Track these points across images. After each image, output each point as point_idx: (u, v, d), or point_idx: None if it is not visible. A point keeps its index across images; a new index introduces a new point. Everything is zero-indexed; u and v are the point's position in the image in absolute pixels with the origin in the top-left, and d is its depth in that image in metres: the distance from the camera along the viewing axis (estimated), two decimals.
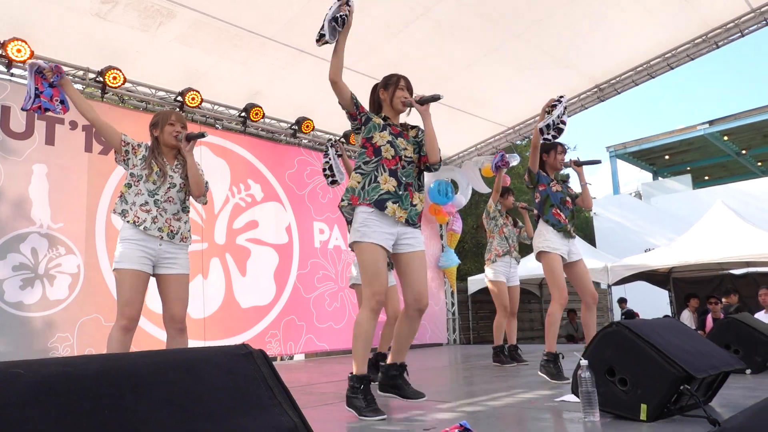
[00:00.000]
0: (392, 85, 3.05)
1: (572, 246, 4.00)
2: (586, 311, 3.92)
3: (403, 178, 2.90)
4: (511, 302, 5.29)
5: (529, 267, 10.62)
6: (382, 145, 2.90)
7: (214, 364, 0.99)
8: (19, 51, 5.16)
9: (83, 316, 5.34)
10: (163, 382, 0.90)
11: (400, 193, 2.85)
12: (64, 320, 5.23)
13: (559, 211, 3.95)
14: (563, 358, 3.81)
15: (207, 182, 3.24)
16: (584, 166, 4.18)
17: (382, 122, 2.98)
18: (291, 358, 7.81)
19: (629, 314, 10.45)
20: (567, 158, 4.19)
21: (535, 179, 4.04)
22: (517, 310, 5.39)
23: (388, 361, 2.99)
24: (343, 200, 2.91)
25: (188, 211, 3.22)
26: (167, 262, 3.03)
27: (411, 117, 3.14)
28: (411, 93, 3.07)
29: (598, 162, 4.40)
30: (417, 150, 3.02)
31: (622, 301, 10.88)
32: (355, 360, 2.73)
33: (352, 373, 2.75)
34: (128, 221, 2.96)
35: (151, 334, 5.71)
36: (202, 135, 3.13)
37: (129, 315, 2.91)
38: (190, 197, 3.23)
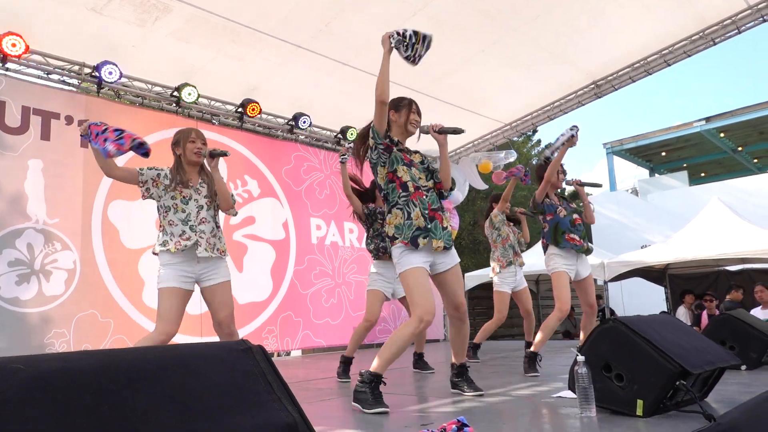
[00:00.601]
0: (405, 107, 3.08)
1: (583, 262, 4.11)
2: (586, 318, 4.13)
3: (427, 209, 2.96)
4: (524, 304, 5.41)
5: (527, 263, 10.65)
6: (407, 180, 2.97)
7: (214, 359, 0.99)
8: (14, 45, 5.13)
9: (79, 312, 5.33)
10: (163, 378, 0.90)
11: (429, 226, 2.92)
12: (61, 316, 5.22)
13: (572, 235, 4.02)
14: (540, 360, 3.99)
15: (233, 194, 3.31)
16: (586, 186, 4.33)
17: (399, 153, 3.01)
18: (288, 354, 7.82)
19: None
20: (569, 177, 4.30)
21: (541, 209, 4.13)
22: (531, 309, 5.48)
23: (452, 362, 3.26)
24: (394, 238, 2.95)
25: (220, 226, 3.28)
26: (210, 274, 3.11)
27: (416, 141, 3.20)
28: (420, 116, 3.12)
29: (599, 185, 4.52)
30: (429, 177, 3.07)
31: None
32: (382, 361, 2.79)
33: (368, 370, 2.79)
34: (169, 250, 3.02)
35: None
36: (225, 153, 3.18)
37: (168, 330, 2.97)
38: (219, 211, 3.29)
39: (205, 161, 3.21)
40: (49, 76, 5.73)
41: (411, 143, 3.21)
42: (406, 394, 3.40)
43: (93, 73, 5.77)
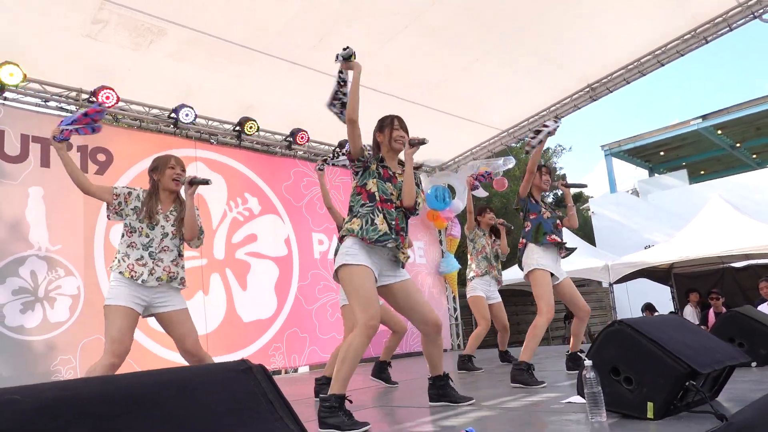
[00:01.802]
0: (387, 126, 3.08)
1: (560, 265, 4.10)
2: (579, 324, 4.17)
3: (393, 220, 2.91)
4: (498, 319, 5.44)
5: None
6: (375, 191, 2.93)
7: (213, 381, 0.98)
8: (11, 75, 5.17)
9: (85, 337, 5.31)
10: (163, 401, 0.89)
11: (394, 236, 2.88)
12: (66, 342, 5.20)
13: (554, 236, 4.01)
14: (534, 369, 3.74)
15: (202, 227, 3.25)
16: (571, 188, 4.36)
17: (374, 169, 2.98)
18: (295, 370, 7.78)
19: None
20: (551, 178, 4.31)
21: (524, 206, 4.11)
22: (508, 324, 5.53)
23: (430, 375, 3.14)
24: (342, 238, 2.90)
25: (183, 255, 3.24)
26: (164, 302, 3.08)
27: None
28: (406, 131, 3.10)
29: (584, 186, 4.57)
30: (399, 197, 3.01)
31: (649, 309, 10.24)
32: (339, 380, 2.66)
33: (331, 394, 2.65)
34: (121, 272, 2.98)
35: (158, 355, 5.69)
36: (208, 182, 3.18)
37: (119, 352, 2.93)
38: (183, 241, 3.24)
39: (182, 188, 3.18)
40: (47, 103, 5.77)
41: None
42: (417, 405, 3.37)
43: (90, 99, 5.80)
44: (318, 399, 4.03)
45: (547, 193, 4.27)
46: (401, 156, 3.10)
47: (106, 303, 2.97)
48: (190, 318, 3.15)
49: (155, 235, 3.08)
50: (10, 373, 4.84)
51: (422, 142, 2.98)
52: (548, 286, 3.88)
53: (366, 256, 2.80)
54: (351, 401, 2.74)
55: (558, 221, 4.14)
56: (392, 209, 2.93)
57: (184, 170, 3.21)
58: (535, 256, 3.95)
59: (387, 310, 4.15)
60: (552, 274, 3.95)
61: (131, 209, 3.10)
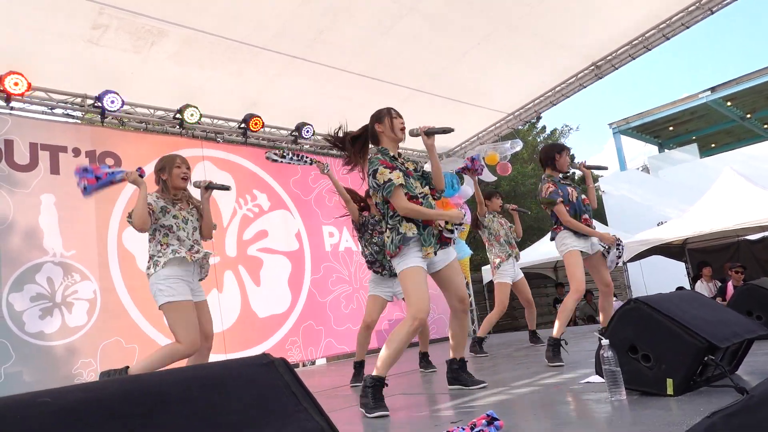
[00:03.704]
0: (386, 116, 3.08)
1: (592, 239, 4.10)
2: (603, 299, 4.10)
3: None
4: (523, 294, 5.57)
5: (542, 251, 10.56)
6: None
7: (237, 376, 1.00)
8: (16, 84, 5.21)
9: (104, 340, 5.38)
10: (188, 397, 0.91)
11: (423, 233, 2.94)
12: (86, 346, 5.27)
13: (585, 215, 4.05)
14: (567, 344, 3.91)
15: (215, 225, 3.53)
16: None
17: (401, 174, 2.97)
18: (313, 363, 7.84)
19: None
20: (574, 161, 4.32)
21: (554, 200, 4.02)
22: (532, 299, 5.64)
23: (450, 357, 3.27)
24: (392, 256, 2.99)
25: None
26: (198, 290, 3.33)
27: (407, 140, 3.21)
28: (401, 117, 3.13)
29: (605, 168, 4.51)
30: (424, 183, 3.10)
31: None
32: (383, 363, 2.83)
33: (370, 375, 2.84)
34: (185, 258, 3.15)
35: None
36: (227, 188, 3.40)
37: (196, 342, 3.10)
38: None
39: (200, 191, 3.39)
40: (53, 110, 5.81)
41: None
42: (437, 392, 3.39)
43: (95, 104, 5.83)
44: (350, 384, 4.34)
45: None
46: (401, 145, 3.19)
47: (171, 300, 3.08)
48: (208, 308, 3.42)
49: (189, 229, 3.28)
50: (33, 378, 4.93)
51: (445, 130, 3.02)
52: (578, 267, 3.92)
53: (412, 255, 2.92)
54: (387, 384, 2.86)
55: (584, 195, 4.16)
56: (421, 204, 2.98)
57: (189, 168, 3.36)
58: (567, 241, 3.98)
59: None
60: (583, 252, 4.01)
61: (160, 212, 3.23)
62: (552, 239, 4.16)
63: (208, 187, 3.32)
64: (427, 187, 3.09)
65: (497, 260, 5.45)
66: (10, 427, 0.77)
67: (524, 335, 6.79)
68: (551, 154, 4.17)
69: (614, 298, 5.06)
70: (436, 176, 3.09)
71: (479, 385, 3.16)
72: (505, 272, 5.41)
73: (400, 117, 3.10)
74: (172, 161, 3.31)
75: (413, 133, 3.08)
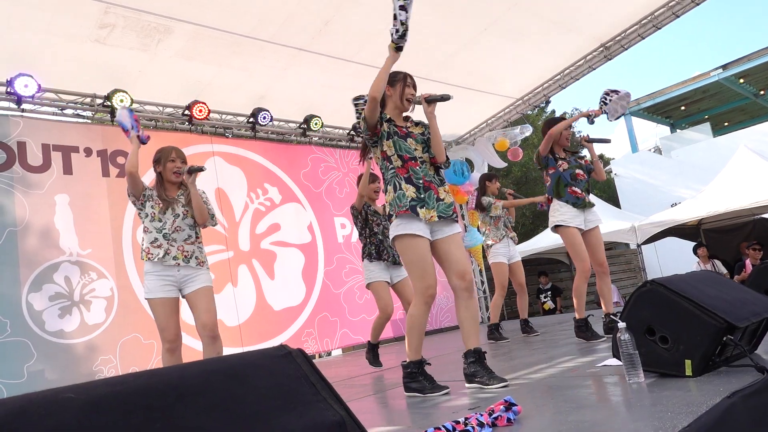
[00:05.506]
0: (399, 81, 3.04)
1: (589, 215, 4.11)
2: (599, 280, 4.11)
3: (421, 180, 2.90)
4: (516, 277, 5.49)
5: (554, 237, 10.49)
6: (391, 155, 2.94)
7: (255, 366, 1.01)
8: (26, 86, 5.26)
9: (123, 336, 5.46)
10: (209, 389, 0.92)
11: (423, 195, 2.87)
12: (105, 343, 5.36)
13: (574, 188, 4.06)
14: (592, 316, 4.03)
15: (211, 208, 3.44)
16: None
17: (387, 130, 2.96)
18: (329, 354, 7.89)
19: None
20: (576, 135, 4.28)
21: (544, 163, 4.18)
22: (525, 284, 5.56)
23: (467, 349, 2.86)
24: (390, 215, 2.94)
25: (200, 236, 3.42)
26: (189, 282, 3.27)
27: (414, 113, 3.14)
28: (415, 89, 3.09)
29: (607, 141, 4.44)
30: (426, 149, 3.01)
31: None
32: (412, 349, 2.87)
33: (406, 361, 2.90)
34: (143, 258, 3.26)
35: (188, 346, 5.81)
36: (202, 169, 3.36)
37: (169, 338, 3.18)
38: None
39: (183, 178, 3.39)
40: (63, 111, 5.86)
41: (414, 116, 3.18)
42: (451, 380, 3.40)
43: (105, 103, 5.87)
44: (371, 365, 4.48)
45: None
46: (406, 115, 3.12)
47: (146, 297, 3.22)
48: (212, 296, 3.32)
49: (167, 218, 3.28)
50: (55, 376, 5.01)
51: (443, 98, 2.96)
52: (578, 244, 3.94)
53: (414, 224, 2.83)
54: (429, 363, 2.90)
55: (579, 171, 4.13)
56: (417, 167, 2.92)
57: (184, 161, 3.40)
58: (557, 212, 4.02)
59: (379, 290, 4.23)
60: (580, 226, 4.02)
61: (146, 201, 3.32)
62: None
63: (190, 172, 3.32)
64: (427, 154, 2.99)
65: (490, 242, 5.47)
66: (35, 422, 0.79)
67: (537, 320, 6.77)
68: (550, 127, 4.20)
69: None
70: (435, 146, 2.97)
71: (499, 384, 2.68)
72: (498, 251, 5.39)
73: (414, 88, 3.05)
74: (168, 154, 3.36)
75: (413, 101, 3.04)
